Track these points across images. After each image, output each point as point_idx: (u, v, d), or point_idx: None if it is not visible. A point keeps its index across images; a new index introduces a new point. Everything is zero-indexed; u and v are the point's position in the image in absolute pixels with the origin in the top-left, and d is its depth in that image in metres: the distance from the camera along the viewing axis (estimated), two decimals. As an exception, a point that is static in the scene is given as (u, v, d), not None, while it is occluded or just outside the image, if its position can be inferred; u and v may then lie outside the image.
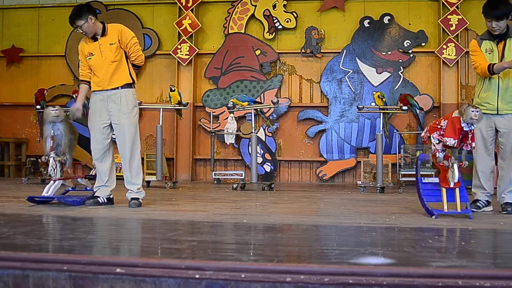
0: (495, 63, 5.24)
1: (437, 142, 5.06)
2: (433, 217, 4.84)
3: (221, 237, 3.76)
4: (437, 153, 5.07)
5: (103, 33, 5.64)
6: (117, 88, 5.60)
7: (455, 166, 4.91)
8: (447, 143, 4.93)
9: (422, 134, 5.34)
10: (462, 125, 4.89)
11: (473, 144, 5.04)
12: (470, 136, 4.98)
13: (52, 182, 5.71)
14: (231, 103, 8.74)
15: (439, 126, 5.07)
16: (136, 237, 3.94)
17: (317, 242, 3.71)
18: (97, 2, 10.84)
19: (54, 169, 5.65)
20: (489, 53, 5.36)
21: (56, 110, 5.65)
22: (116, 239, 3.67)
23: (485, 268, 2.72)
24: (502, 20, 5.22)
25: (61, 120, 5.69)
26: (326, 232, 4.15)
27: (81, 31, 5.62)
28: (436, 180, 5.18)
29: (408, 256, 3.00)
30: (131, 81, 5.69)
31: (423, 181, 5.25)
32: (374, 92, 8.81)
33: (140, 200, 5.66)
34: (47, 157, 5.66)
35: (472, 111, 4.82)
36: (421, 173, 8.31)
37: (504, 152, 5.35)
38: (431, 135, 5.10)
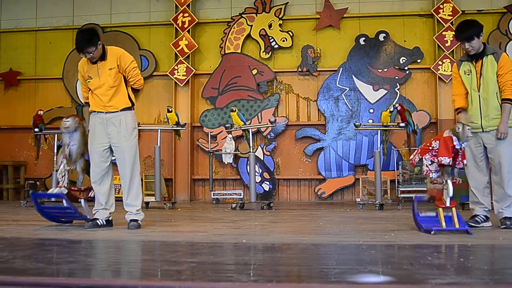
0: (460, 111, 5.61)
1: (430, 163, 5.17)
2: (432, 233, 4.85)
3: (220, 258, 3.75)
4: (430, 174, 5.17)
5: (103, 57, 5.59)
6: (117, 111, 5.60)
7: (449, 182, 5.03)
8: (442, 162, 5.04)
9: (411, 157, 5.48)
10: (454, 143, 5.04)
11: (465, 161, 5.17)
12: (460, 154, 5.10)
13: (58, 189, 5.74)
14: (232, 109, 8.79)
15: (430, 148, 5.19)
16: (135, 259, 3.93)
17: (316, 261, 3.71)
18: (94, 25, 10.88)
19: (62, 176, 5.70)
20: (468, 75, 5.52)
21: (68, 121, 5.74)
22: (116, 262, 3.66)
23: (484, 284, 2.72)
24: (473, 40, 5.38)
25: (75, 130, 5.78)
26: (325, 251, 4.15)
27: (89, 57, 5.53)
28: (433, 214, 5.26)
29: (407, 273, 3.00)
30: (130, 105, 5.68)
31: (421, 215, 5.30)
32: (384, 110, 8.68)
33: (139, 221, 5.64)
34: (60, 165, 5.75)
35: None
36: (418, 189, 8.38)
37: (495, 167, 5.42)
38: (423, 157, 5.22)
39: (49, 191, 5.74)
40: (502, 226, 5.31)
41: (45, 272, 3.20)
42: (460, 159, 5.11)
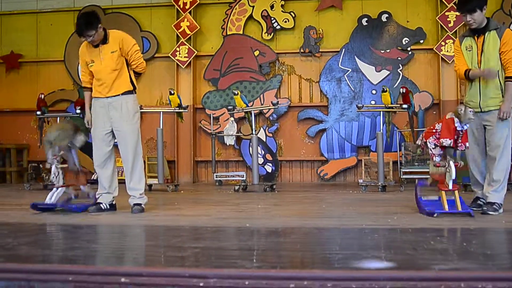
0: (470, 70, 5.29)
1: (434, 146, 5.13)
2: (435, 215, 4.86)
3: (224, 243, 3.76)
4: (434, 157, 5.13)
5: (105, 40, 5.59)
6: (118, 95, 5.59)
7: (451, 163, 4.99)
8: (443, 144, 5.01)
9: (418, 142, 5.42)
10: (456, 125, 4.99)
11: (467, 144, 5.10)
12: (461, 135, 5.05)
13: (55, 189, 5.73)
14: (234, 93, 8.80)
15: (434, 130, 5.15)
16: (139, 245, 3.95)
17: (320, 246, 3.73)
18: (95, 6, 10.82)
19: (56, 176, 5.67)
20: (469, 51, 5.35)
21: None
22: (120, 248, 3.68)
23: (487, 269, 2.73)
24: (475, 12, 5.17)
25: None
26: (328, 235, 4.17)
27: (89, 40, 5.51)
28: (436, 198, 5.30)
29: (410, 258, 3.01)
30: (132, 88, 5.67)
31: (423, 199, 5.33)
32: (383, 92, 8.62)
33: (142, 205, 5.66)
34: (50, 164, 5.68)
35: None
36: (421, 170, 8.38)
37: (491, 149, 5.26)
38: (427, 140, 5.17)
39: (47, 200, 5.66)
40: (480, 209, 5.23)
41: (50, 259, 3.23)
42: (460, 141, 5.06)
